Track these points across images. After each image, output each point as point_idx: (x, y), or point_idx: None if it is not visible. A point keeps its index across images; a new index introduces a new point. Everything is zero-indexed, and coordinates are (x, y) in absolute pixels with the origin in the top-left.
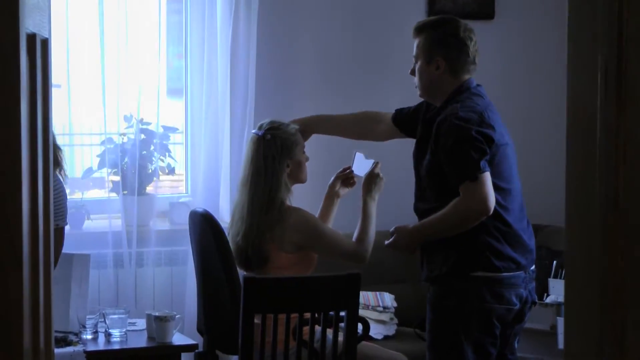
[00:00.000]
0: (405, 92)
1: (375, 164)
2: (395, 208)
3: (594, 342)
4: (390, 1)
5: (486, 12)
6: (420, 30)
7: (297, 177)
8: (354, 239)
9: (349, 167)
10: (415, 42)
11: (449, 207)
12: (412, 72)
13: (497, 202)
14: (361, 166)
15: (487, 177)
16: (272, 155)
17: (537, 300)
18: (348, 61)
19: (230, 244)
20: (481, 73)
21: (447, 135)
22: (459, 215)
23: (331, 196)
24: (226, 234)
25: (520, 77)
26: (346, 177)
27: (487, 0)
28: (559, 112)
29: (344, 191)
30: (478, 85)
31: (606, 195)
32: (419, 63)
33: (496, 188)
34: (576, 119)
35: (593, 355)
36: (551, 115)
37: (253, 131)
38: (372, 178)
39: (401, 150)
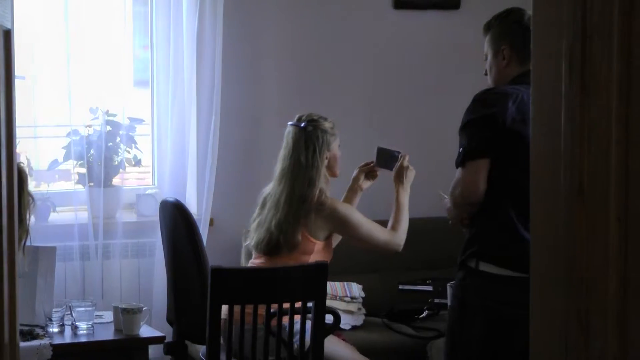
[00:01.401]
0: (368, 86)
1: (403, 157)
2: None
3: (557, 331)
4: None
5: (452, 3)
6: (487, 26)
7: (333, 170)
8: (388, 228)
9: (372, 162)
10: (485, 41)
11: None
12: (486, 73)
13: (510, 195)
14: (384, 159)
15: (478, 165)
16: (314, 147)
17: None
18: (315, 54)
19: (254, 230)
20: (446, 62)
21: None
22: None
23: (354, 189)
24: (197, 224)
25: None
26: (369, 171)
27: None
28: None
29: (366, 184)
30: None
31: (570, 185)
32: (488, 59)
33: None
34: (540, 107)
35: (557, 340)
36: None
37: (290, 123)
38: (402, 170)
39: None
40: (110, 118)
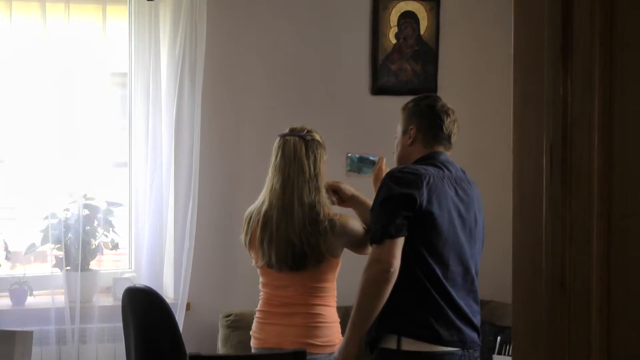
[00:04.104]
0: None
1: (380, 160)
2: None
3: None
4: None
5: (429, 88)
6: (403, 107)
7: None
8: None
9: (334, 183)
10: (399, 121)
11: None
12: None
13: (425, 270)
14: (356, 165)
15: (396, 242)
16: (314, 156)
17: None
18: None
19: (265, 249)
20: None
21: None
22: (366, 279)
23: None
24: (174, 309)
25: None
26: (334, 189)
27: (430, 78)
28: (507, 186)
29: (346, 197)
30: (447, 161)
31: (552, 275)
32: (397, 137)
33: (421, 254)
34: (522, 200)
35: None
36: (495, 187)
37: (283, 134)
38: (380, 173)
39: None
40: (88, 202)
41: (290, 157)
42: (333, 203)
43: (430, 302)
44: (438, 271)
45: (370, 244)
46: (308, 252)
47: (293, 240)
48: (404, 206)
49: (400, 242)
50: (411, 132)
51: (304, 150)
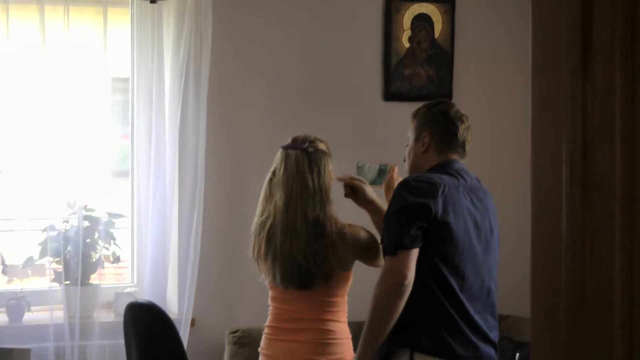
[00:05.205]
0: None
1: (392, 168)
2: None
3: None
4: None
5: (444, 93)
6: (415, 113)
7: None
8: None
9: (347, 177)
10: (410, 128)
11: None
12: (405, 159)
13: (440, 282)
14: (368, 175)
15: (410, 254)
16: (318, 168)
17: None
18: None
19: (269, 265)
20: None
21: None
22: (379, 292)
23: (369, 208)
24: (178, 325)
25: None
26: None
27: (445, 83)
28: (524, 196)
29: (362, 199)
30: (462, 169)
31: (572, 291)
32: (409, 144)
33: (437, 266)
34: (540, 211)
35: None
36: (511, 196)
37: (285, 146)
38: (392, 181)
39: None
40: (89, 213)
41: (292, 173)
42: (347, 195)
43: (444, 315)
44: (453, 283)
45: (383, 256)
46: (314, 270)
47: (297, 259)
48: (419, 216)
49: (415, 253)
50: (424, 139)
51: (306, 164)
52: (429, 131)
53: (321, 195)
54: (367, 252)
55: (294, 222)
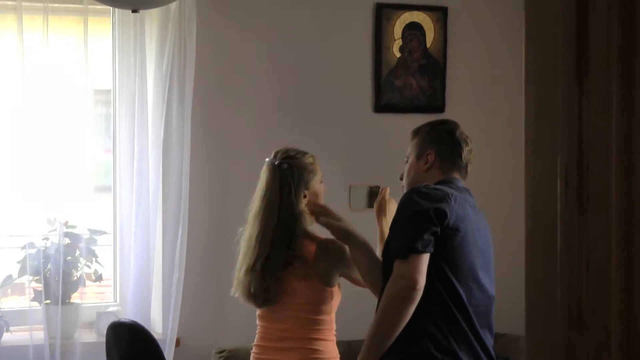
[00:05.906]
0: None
1: (384, 189)
2: None
3: None
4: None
5: (436, 106)
6: (416, 131)
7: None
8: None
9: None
10: (410, 144)
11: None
12: (402, 177)
13: (450, 292)
14: (362, 199)
15: (422, 258)
16: (289, 186)
17: None
18: None
19: (242, 278)
20: None
21: (400, 209)
22: (389, 296)
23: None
24: (162, 345)
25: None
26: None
27: (437, 94)
28: (518, 210)
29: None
30: (465, 188)
31: (568, 309)
32: (408, 161)
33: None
34: (535, 226)
35: None
36: (505, 210)
37: (267, 159)
38: (384, 203)
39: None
40: (69, 229)
41: (262, 187)
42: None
43: (455, 327)
44: (463, 294)
45: (393, 260)
46: (273, 289)
47: (259, 276)
48: (434, 221)
49: (426, 258)
50: (428, 157)
51: (277, 181)
52: (433, 149)
53: (287, 214)
54: (351, 267)
55: (253, 237)
